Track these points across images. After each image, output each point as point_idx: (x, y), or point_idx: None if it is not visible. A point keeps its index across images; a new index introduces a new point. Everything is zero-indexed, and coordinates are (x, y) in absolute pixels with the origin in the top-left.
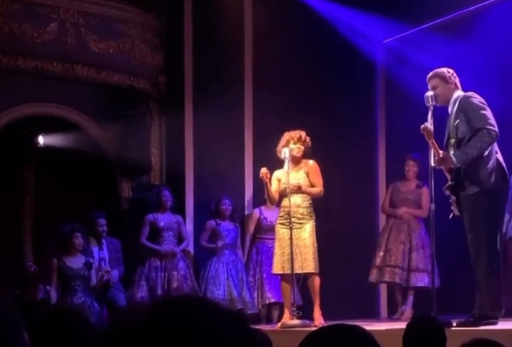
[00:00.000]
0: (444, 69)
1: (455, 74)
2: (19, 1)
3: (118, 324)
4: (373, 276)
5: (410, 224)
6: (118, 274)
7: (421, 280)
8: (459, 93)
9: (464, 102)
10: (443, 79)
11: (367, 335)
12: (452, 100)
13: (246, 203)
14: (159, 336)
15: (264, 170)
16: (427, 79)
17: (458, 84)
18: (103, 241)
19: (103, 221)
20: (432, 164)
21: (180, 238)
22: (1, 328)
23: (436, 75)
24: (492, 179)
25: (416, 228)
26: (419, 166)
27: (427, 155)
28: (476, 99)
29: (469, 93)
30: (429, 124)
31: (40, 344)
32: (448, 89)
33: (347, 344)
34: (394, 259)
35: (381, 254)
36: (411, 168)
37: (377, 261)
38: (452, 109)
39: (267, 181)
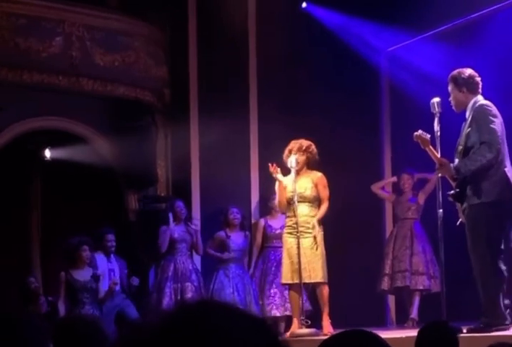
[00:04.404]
0: (456, 72)
1: (472, 76)
2: (25, 15)
3: (133, 335)
4: (384, 284)
5: (413, 230)
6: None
7: (421, 282)
8: (477, 99)
9: (479, 112)
10: (455, 84)
11: (380, 340)
12: (469, 106)
13: (252, 213)
14: (176, 346)
15: (272, 167)
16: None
17: (476, 88)
18: (112, 256)
19: (111, 237)
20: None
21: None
22: (28, 339)
23: (449, 80)
24: (496, 192)
25: (418, 234)
26: (414, 179)
27: (429, 165)
28: (491, 111)
29: (485, 103)
30: (436, 131)
31: None
32: (461, 95)
33: None
34: (403, 265)
35: (389, 262)
36: (406, 181)
37: (386, 268)
38: (468, 115)
39: (277, 177)
